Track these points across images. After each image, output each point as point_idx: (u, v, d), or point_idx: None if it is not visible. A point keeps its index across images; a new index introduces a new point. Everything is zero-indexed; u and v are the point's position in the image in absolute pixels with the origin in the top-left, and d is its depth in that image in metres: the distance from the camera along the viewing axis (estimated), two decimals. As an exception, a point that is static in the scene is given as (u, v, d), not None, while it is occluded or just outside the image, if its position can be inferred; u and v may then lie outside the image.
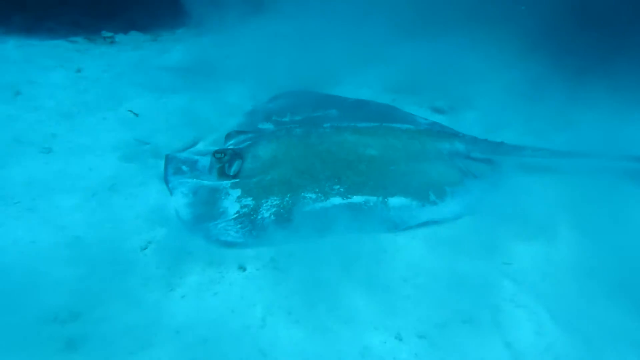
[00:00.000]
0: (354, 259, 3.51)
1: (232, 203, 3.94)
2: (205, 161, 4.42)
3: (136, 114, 5.54)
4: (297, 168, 4.19)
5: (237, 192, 4.05)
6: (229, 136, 4.83)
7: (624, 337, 3.16)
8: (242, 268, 3.45)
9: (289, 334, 2.97)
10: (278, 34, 7.65)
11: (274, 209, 3.85)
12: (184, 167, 4.40)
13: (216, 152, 4.32)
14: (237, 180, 4.20)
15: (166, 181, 4.27)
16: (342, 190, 4.02)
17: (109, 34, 8.30)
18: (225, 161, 4.29)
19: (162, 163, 4.48)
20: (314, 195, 3.96)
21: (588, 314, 3.31)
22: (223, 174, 4.27)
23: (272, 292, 3.25)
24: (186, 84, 6.47)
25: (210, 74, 6.73)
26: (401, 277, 3.47)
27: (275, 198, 3.94)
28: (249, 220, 3.78)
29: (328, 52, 7.07)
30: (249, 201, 3.94)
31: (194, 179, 4.24)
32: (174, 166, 4.40)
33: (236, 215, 3.82)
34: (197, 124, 5.42)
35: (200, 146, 5.02)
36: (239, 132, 4.86)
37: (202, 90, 6.34)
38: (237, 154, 4.36)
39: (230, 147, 4.62)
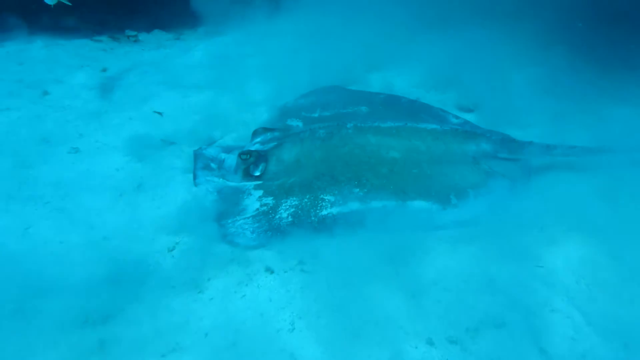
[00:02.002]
0: (381, 261, 3.46)
1: (253, 202, 4.02)
2: (231, 160, 4.45)
3: (161, 114, 5.56)
4: (318, 170, 4.20)
5: (259, 193, 4.12)
6: (255, 133, 4.83)
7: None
8: (270, 270, 3.43)
9: (318, 338, 2.93)
10: (300, 32, 7.63)
11: (292, 210, 3.85)
12: (212, 164, 4.51)
13: (242, 153, 4.35)
14: (260, 182, 4.23)
15: (194, 175, 4.39)
16: (361, 193, 3.99)
17: (133, 33, 8.37)
18: (250, 162, 4.33)
19: (187, 164, 4.52)
20: (332, 198, 3.94)
21: (626, 318, 3.20)
22: (247, 175, 4.33)
23: (300, 294, 3.23)
24: (209, 82, 6.49)
25: (233, 72, 6.73)
26: (431, 280, 3.41)
27: (294, 199, 3.96)
28: (266, 219, 3.81)
29: (350, 49, 7.03)
30: (269, 200, 4.01)
31: (220, 179, 4.36)
32: (202, 162, 4.52)
33: (255, 212, 3.88)
34: (222, 123, 5.44)
35: (227, 140, 5.09)
36: (265, 130, 4.86)
37: (225, 88, 6.35)
38: (261, 156, 4.37)
39: (256, 145, 4.63)
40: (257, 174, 4.32)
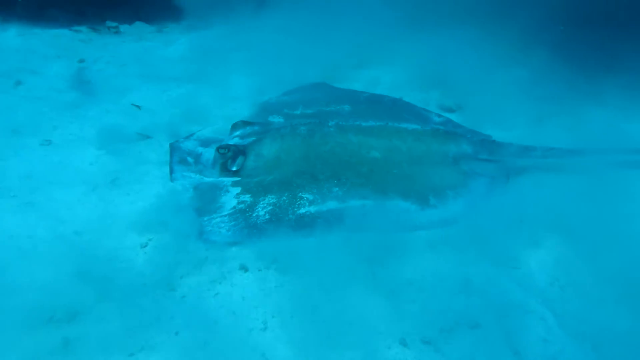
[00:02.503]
0: (358, 261, 3.43)
1: (230, 199, 3.94)
2: (209, 154, 4.37)
3: (139, 107, 5.45)
4: (298, 168, 4.16)
5: (237, 190, 4.04)
6: (235, 126, 4.76)
7: (634, 343, 3.06)
8: (244, 268, 3.38)
9: (291, 338, 2.89)
10: (284, 28, 7.56)
11: (269, 208, 3.81)
12: (189, 159, 4.43)
13: (220, 147, 4.28)
14: (239, 179, 4.16)
15: (170, 170, 4.30)
16: (340, 192, 3.96)
17: (114, 24, 8.20)
18: (229, 157, 4.26)
19: (164, 158, 4.44)
20: (311, 197, 3.90)
21: (597, 319, 3.22)
22: (225, 170, 4.26)
23: (274, 293, 3.18)
24: (191, 77, 6.40)
25: (215, 67, 6.65)
26: (407, 280, 3.39)
27: (272, 197, 3.91)
28: (243, 217, 3.74)
29: (335, 47, 6.99)
30: (246, 198, 3.94)
31: (197, 174, 4.28)
32: (178, 155, 4.43)
33: (232, 210, 3.81)
34: (202, 117, 5.36)
35: (206, 132, 4.95)
36: (245, 123, 4.79)
37: (207, 82, 6.27)
38: (240, 151, 4.31)
39: (235, 139, 4.56)
40: (235, 169, 4.25)
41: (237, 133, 4.65)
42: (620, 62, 6.10)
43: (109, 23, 8.17)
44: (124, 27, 8.16)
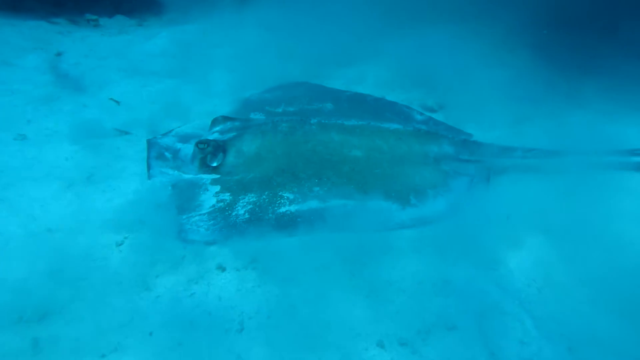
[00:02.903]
0: (337, 261, 3.41)
1: (209, 198, 3.88)
2: (188, 150, 4.30)
3: (118, 102, 5.35)
4: (279, 167, 4.11)
5: (216, 188, 3.97)
6: (215, 122, 4.69)
7: (609, 345, 3.09)
8: (222, 268, 3.33)
9: (267, 339, 2.86)
10: (267, 24, 7.50)
11: (249, 207, 3.76)
12: (167, 154, 4.33)
13: (199, 142, 4.21)
14: (218, 176, 4.10)
15: (148, 166, 4.21)
16: (321, 192, 3.93)
17: (93, 17, 8.03)
18: (208, 152, 4.19)
19: (142, 154, 4.36)
20: (291, 196, 3.87)
21: (573, 321, 3.25)
22: (204, 165, 4.19)
23: (252, 294, 3.14)
24: (172, 72, 6.30)
25: (196, 62, 6.55)
26: (385, 280, 3.38)
27: (252, 195, 3.86)
28: (222, 216, 3.69)
29: (318, 44, 6.94)
30: (226, 197, 3.88)
31: (175, 170, 4.20)
32: (156, 151, 4.33)
33: (211, 209, 3.75)
34: (182, 113, 5.28)
35: (185, 129, 4.84)
36: (225, 119, 4.72)
37: (188, 78, 6.17)
38: (220, 146, 4.24)
39: (214, 134, 4.49)
40: (215, 164, 4.18)
41: (217, 128, 4.58)
42: (599, 64, 6.17)
43: (89, 16, 8.00)
44: (103, 20, 8.01)
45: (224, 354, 2.75)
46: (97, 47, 6.75)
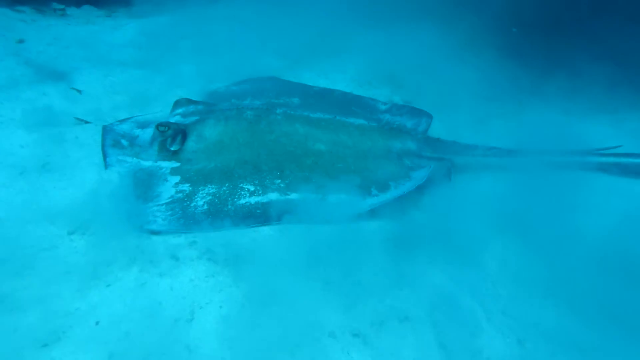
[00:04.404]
0: (294, 253, 3.40)
1: (168, 188, 3.79)
2: (146, 135, 4.20)
3: (79, 91, 5.23)
4: (241, 157, 4.06)
5: (176, 178, 3.89)
6: (177, 104, 4.61)
7: (557, 338, 3.16)
8: (175, 258, 3.29)
9: (218, 329, 2.83)
10: (237, 18, 7.42)
11: (209, 198, 3.71)
12: (123, 141, 4.20)
13: (159, 124, 4.11)
14: (178, 164, 4.02)
15: (104, 154, 4.09)
16: (282, 185, 3.91)
17: (60, 6, 7.83)
18: (168, 135, 4.09)
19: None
20: (252, 188, 3.83)
21: (524, 315, 3.32)
22: (164, 149, 4.10)
23: (204, 284, 3.11)
24: (138, 63, 6.16)
25: (164, 54, 6.43)
26: (342, 273, 3.38)
27: (212, 187, 3.80)
28: (180, 206, 3.63)
29: (288, 39, 6.92)
30: (185, 187, 3.80)
31: (133, 158, 4.08)
32: (112, 138, 4.19)
33: (169, 200, 3.68)
34: (146, 104, 5.18)
35: (145, 116, 4.71)
36: (189, 101, 4.63)
37: (154, 70, 6.05)
38: (181, 130, 4.16)
39: (176, 117, 4.41)
40: (175, 148, 4.09)
41: (179, 111, 4.50)
42: (563, 65, 6.31)
43: (55, 5, 7.79)
44: (71, 10, 7.80)
45: (172, 344, 2.71)
46: (62, 36, 6.57)
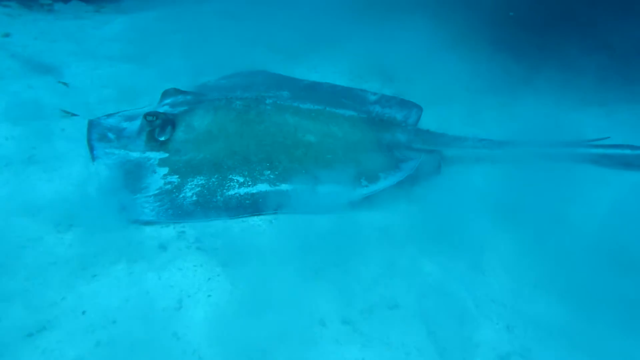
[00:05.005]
0: (282, 243, 3.39)
1: (157, 180, 3.76)
2: (134, 127, 4.16)
3: (66, 84, 5.19)
4: (230, 147, 4.04)
5: (164, 170, 3.86)
6: (165, 94, 4.58)
7: (546, 325, 3.16)
8: (163, 247, 3.26)
9: (206, 318, 2.80)
10: (228, 13, 7.42)
11: (197, 189, 3.69)
12: (110, 135, 4.16)
13: (147, 114, 4.07)
14: (167, 155, 3.99)
15: (90, 147, 4.04)
16: (271, 176, 3.89)
17: (48, 1, 7.79)
18: (157, 125, 4.05)
19: (89, 135, 4.21)
20: (241, 179, 3.81)
21: (514, 302, 3.32)
22: (152, 139, 4.06)
23: (192, 273, 3.07)
24: (126, 57, 6.14)
25: (153, 48, 6.40)
26: (331, 262, 3.36)
27: (201, 178, 3.78)
28: (169, 198, 3.60)
29: (279, 33, 6.91)
30: (174, 179, 3.78)
31: (120, 150, 4.03)
32: (98, 132, 4.15)
33: (158, 191, 3.64)
34: (134, 98, 5.15)
35: (133, 110, 4.66)
36: (177, 91, 4.60)
37: (142, 64, 6.03)
38: (169, 120, 4.12)
39: (164, 107, 4.37)
40: (163, 138, 4.06)
41: (168, 101, 4.46)
42: (556, 57, 6.33)
43: (43, 0, 7.75)
44: (58, 5, 7.77)
45: (160, 332, 2.68)
46: (49, 31, 6.52)
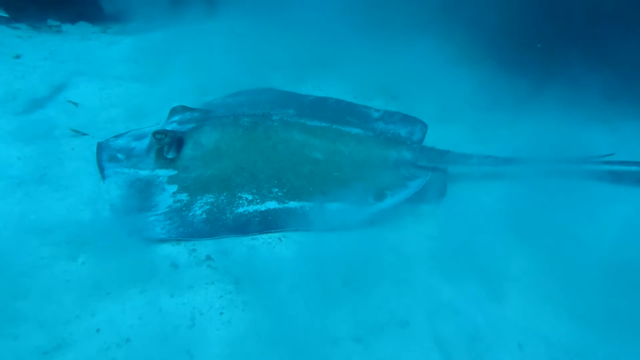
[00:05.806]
0: (292, 261, 3.41)
1: (166, 198, 3.80)
2: (143, 145, 4.21)
3: (76, 104, 5.25)
4: (238, 164, 4.08)
5: (173, 188, 3.90)
6: (173, 111, 4.62)
7: (557, 343, 3.17)
8: (175, 266, 3.28)
9: (219, 335, 2.82)
10: (234, 32, 7.52)
11: (207, 207, 3.72)
12: (119, 155, 4.19)
13: (156, 132, 4.12)
14: (176, 172, 4.03)
15: (100, 168, 4.09)
16: (280, 194, 3.93)
17: (56, 23, 7.89)
18: (165, 143, 4.10)
19: (99, 155, 4.26)
20: (250, 197, 3.85)
21: (525, 320, 3.32)
22: (161, 157, 4.10)
23: (204, 290, 3.10)
24: (133, 76, 6.20)
25: (159, 68, 6.47)
26: (341, 280, 3.37)
27: (210, 195, 3.82)
28: (179, 215, 3.64)
29: (282, 53, 7.00)
30: (183, 197, 3.82)
31: (130, 168, 4.07)
32: (108, 154, 4.20)
33: (167, 209, 3.68)
34: (142, 116, 5.21)
35: (141, 130, 4.70)
36: (185, 109, 4.65)
37: (149, 83, 6.09)
38: (178, 137, 4.17)
39: (172, 125, 4.42)
40: (172, 156, 4.11)
41: (176, 118, 4.51)
42: (561, 74, 6.37)
43: (51, 22, 7.85)
44: (66, 27, 7.86)
45: (173, 350, 2.69)
46: (58, 51, 6.61)
